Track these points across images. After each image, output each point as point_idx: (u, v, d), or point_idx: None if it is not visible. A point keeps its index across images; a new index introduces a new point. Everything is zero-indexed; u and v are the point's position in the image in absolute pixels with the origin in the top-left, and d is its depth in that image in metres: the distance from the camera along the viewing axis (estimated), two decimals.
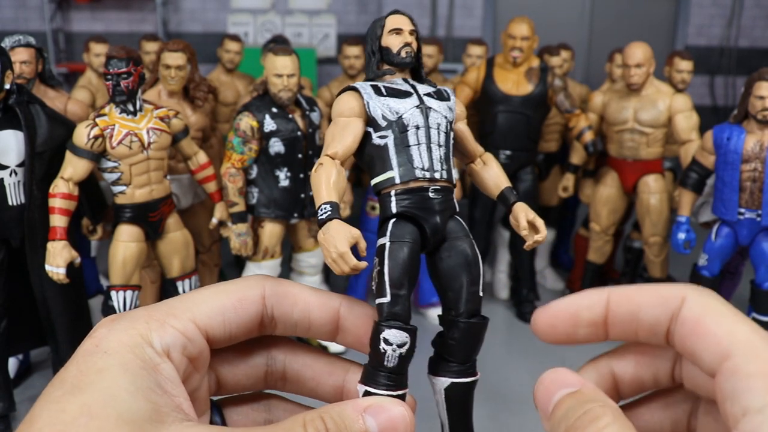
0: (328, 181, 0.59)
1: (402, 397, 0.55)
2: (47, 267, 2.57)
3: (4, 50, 2.54)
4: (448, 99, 0.67)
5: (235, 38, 4.35)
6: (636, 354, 0.53)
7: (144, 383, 0.44)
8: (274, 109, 3.06)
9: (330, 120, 3.14)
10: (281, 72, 3.00)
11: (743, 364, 0.41)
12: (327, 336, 0.59)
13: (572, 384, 0.48)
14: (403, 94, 0.64)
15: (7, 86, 2.51)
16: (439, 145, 0.63)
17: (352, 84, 0.64)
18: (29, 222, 2.61)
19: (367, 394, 0.55)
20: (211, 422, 0.56)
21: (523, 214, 0.71)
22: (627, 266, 4.16)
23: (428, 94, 0.65)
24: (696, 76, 6.49)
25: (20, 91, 2.59)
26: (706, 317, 0.45)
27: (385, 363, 0.55)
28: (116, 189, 2.76)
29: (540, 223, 0.70)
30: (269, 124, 3.04)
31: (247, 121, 3.03)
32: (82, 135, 2.61)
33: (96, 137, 2.62)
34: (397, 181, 0.60)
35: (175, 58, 3.25)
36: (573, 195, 3.98)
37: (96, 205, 2.92)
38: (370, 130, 0.62)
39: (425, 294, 3.86)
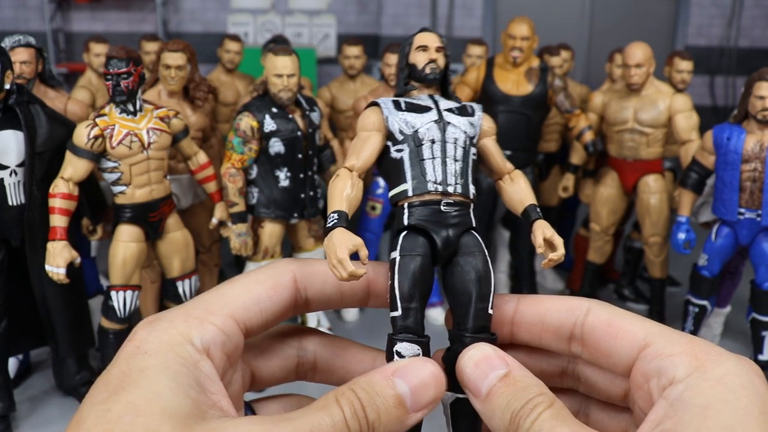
0: (341, 192, 0.61)
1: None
2: (47, 267, 2.57)
3: (4, 50, 2.54)
4: (471, 115, 0.68)
5: (235, 38, 4.35)
6: (528, 348, 0.57)
7: (185, 381, 0.45)
8: (274, 109, 3.06)
9: (330, 120, 3.15)
10: (281, 72, 3.00)
11: (664, 347, 0.47)
12: (359, 303, 0.62)
13: (500, 365, 0.51)
14: (422, 109, 0.65)
15: (7, 86, 2.51)
16: (455, 160, 0.64)
17: (375, 99, 0.66)
18: (29, 222, 2.61)
19: None
20: None
21: (540, 231, 0.71)
22: (627, 266, 4.16)
23: (449, 110, 0.67)
24: (696, 76, 6.49)
25: (20, 91, 2.59)
26: (616, 320, 0.51)
27: None
28: (116, 189, 2.76)
29: (558, 241, 0.70)
30: (269, 124, 3.04)
31: (247, 121, 3.02)
32: (82, 135, 2.61)
33: (96, 137, 2.62)
34: (410, 193, 0.61)
35: (175, 58, 3.25)
36: (573, 195, 3.98)
37: (96, 205, 2.92)
38: (389, 144, 0.64)
39: None
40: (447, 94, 0.71)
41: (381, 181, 3.71)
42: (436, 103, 0.67)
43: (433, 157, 0.62)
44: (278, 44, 4.01)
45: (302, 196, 3.18)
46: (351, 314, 3.79)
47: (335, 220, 0.60)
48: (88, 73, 4.18)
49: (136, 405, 0.42)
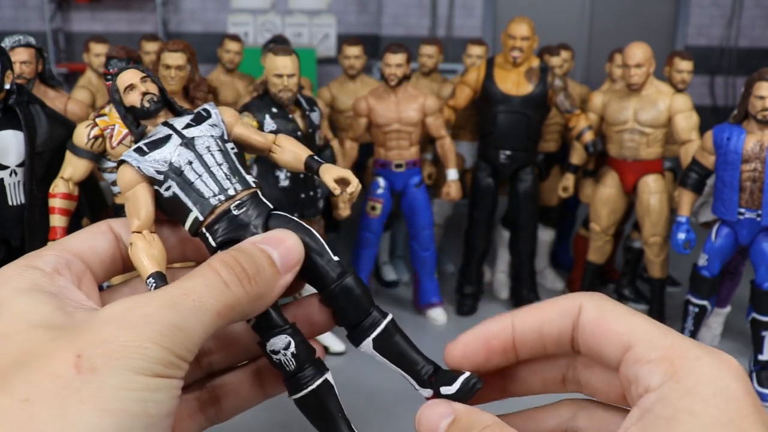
0: (147, 256, 0.60)
1: (322, 384, 0.57)
2: None
3: (4, 50, 2.54)
4: (208, 116, 0.68)
5: (235, 38, 4.35)
6: (526, 363, 0.57)
7: (42, 296, 0.46)
8: (274, 109, 3.06)
9: (330, 120, 3.14)
10: (281, 72, 3.00)
11: (644, 352, 0.46)
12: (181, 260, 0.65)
13: (445, 414, 0.53)
14: (163, 141, 0.64)
15: (7, 86, 2.51)
16: (219, 164, 0.63)
17: (121, 157, 0.66)
18: (29, 222, 2.62)
19: (295, 402, 0.57)
20: None
21: (328, 175, 0.72)
22: (627, 266, 4.16)
23: (187, 125, 0.66)
24: (696, 76, 6.49)
25: (20, 91, 2.59)
26: (604, 318, 0.50)
27: (287, 369, 0.57)
28: (116, 189, 2.76)
29: (347, 173, 0.71)
30: (269, 124, 3.04)
31: (247, 121, 3.03)
32: (82, 135, 2.61)
33: (96, 137, 2.62)
34: (201, 218, 0.60)
35: (175, 58, 3.25)
36: (573, 195, 3.98)
37: (96, 205, 2.92)
38: (156, 188, 0.63)
39: (425, 294, 3.86)
40: (177, 112, 0.70)
41: (381, 181, 3.71)
42: (172, 127, 0.66)
43: (200, 175, 0.62)
44: (278, 44, 4.01)
45: (302, 195, 3.18)
46: None
47: (153, 283, 0.59)
48: (88, 73, 4.18)
49: (4, 332, 0.43)
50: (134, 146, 0.66)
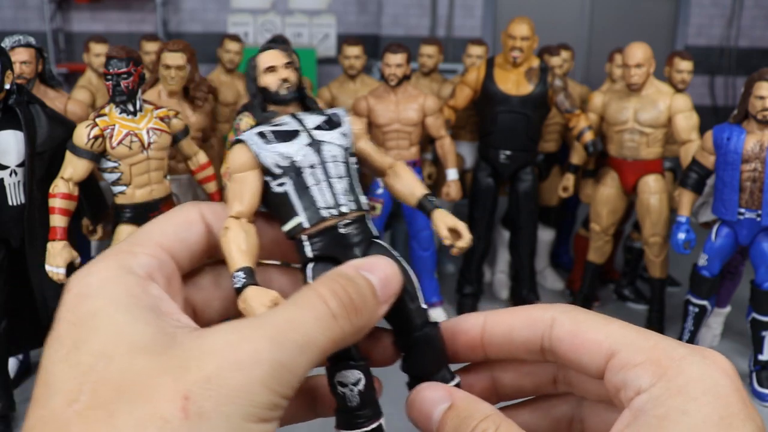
0: (238, 247, 0.56)
1: (381, 427, 0.55)
2: (47, 267, 2.57)
3: (4, 50, 2.54)
4: (340, 124, 0.64)
5: (235, 38, 4.35)
6: (516, 364, 0.56)
7: (140, 310, 0.44)
8: None
9: None
10: None
11: (629, 357, 0.46)
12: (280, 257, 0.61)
13: (443, 399, 0.51)
14: (290, 135, 0.61)
15: (7, 86, 2.51)
16: (340, 177, 0.60)
17: (239, 136, 0.62)
18: (29, 222, 2.61)
19: None
20: None
21: (441, 221, 0.69)
22: (627, 266, 4.16)
23: (318, 127, 0.63)
24: (696, 76, 6.49)
25: (20, 91, 2.59)
26: (580, 329, 0.50)
27: (349, 404, 0.54)
28: (116, 189, 2.76)
29: (462, 227, 0.68)
30: None
31: (247, 121, 3.03)
32: (82, 135, 2.61)
33: (96, 137, 2.62)
34: (306, 225, 0.57)
35: (175, 58, 3.25)
36: (573, 195, 3.98)
37: (96, 205, 2.92)
38: (268, 179, 0.60)
39: (425, 293, 3.86)
40: (308, 108, 0.68)
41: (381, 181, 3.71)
42: (301, 122, 0.63)
43: (318, 183, 0.59)
44: (278, 44, 4.01)
45: None
46: None
47: (243, 279, 0.55)
48: (88, 73, 4.17)
49: (104, 351, 0.41)
50: (256, 129, 0.62)
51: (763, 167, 2.95)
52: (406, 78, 3.63)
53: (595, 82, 5.44)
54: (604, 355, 0.48)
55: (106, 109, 2.71)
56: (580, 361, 0.49)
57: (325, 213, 0.58)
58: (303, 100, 0.68)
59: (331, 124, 0.64)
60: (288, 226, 0.58)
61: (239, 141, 0.61)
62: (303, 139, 0.61)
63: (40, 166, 2.62)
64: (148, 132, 2.74)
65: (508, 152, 3.75)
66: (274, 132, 0.61)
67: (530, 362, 0.56)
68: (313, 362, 0.44)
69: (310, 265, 0.58)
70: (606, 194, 3.73)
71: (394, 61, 3.56)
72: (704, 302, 3.29)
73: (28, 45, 3.03)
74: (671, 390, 0.43)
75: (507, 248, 4.13)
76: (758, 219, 3.02)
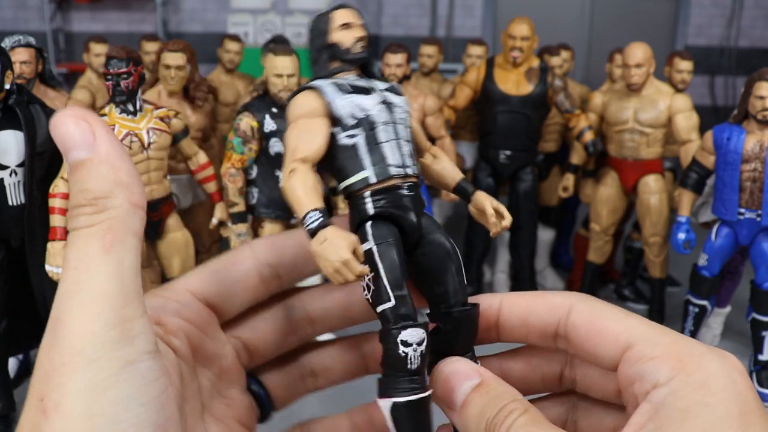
0: (311, 188, 0.55)
1: (427, 399, 0.53)
2: (47, 267, 2.57)
3: (4, 50, 2.54)
4: (401, 94, 0.65)
5: (235, 38, 4.35)
6: (525, 356, 0.57)
7: (159, 397, 0.43)
8: (274, 109, 3.06)
9: None
10: (281, 72, 3.00)
11: (646, 350, 0.47)
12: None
13: (472, 374, 0.51)
14: (366, 91, 0.61)
15: (7, 86, 2.51)
16: (407, 140, 0.60)
17: (309, 84, 0.59)
18: (29, 222, 2.62)
19: (394, 406, 0.52)
20: (249, 390, 0.56)
21: (488, 201, 0.68)
22: (627, 266, 4.16)
23: (387, 89, 0.63)
24: (696, 76, 6.49)
25: (20, 91, 2.59)
26: (599, 318, 0.50)
27: (409, 366, 0.52)
28: None
29: (503, 209, 0.68)
30: (269, 124, 3.04)
31: (247, 122, 3.03)
32: None
33: None
34: (373, 180, 0.57)
35: (175, 58, 3.25)
36: (573, 195, 3.98)
37: None
38: (337, 130, 0.58)
39: None
40: (371, 74, 0.66)
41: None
42: (371, 82, 0.62)
43: (389, 140, 0.58)
44: (278, 44, 4.01)
45: None
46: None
47: (320, 218, 0.53)
48: (88, 73, 4.17)
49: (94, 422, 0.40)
50: (329, 80, 0.61)
51: (763, 167, 2.95)
52: (406, 78, 3.63)
53: (595, 82, 5.44)
54: (621, 346, 0.48)
55: (106, 109, 2.71)
56: (595, 351, 0.49)
57: (393, 171, 0.57)
58: (367, 66, 0.66)
59: (396, 91, 0.64)
60: (352, 180, 0.57)
61: (308, 88, 0.59)
62: (376, 97, 0.60)
63: (40, 166, 2.62)
64: (148, 132, 2.74)
65: (508, 152, 3.75)
66: (351, 85, 0.60)
67: (540, 353, 0.55)
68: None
69: (369, 223, 0.56)
70: (606, 194, 3.73)
71: (394, 61, 3.56)
72: (704, 302, 3.29)
73: (28, 45, 3.04)
74: (692, 384, 0.44)
75: (507, 248, 4.13)
76: (758, 219, 3.02)
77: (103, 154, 0.41)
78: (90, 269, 0.40)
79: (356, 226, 0.57)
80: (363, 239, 0.56)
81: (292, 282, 0.58)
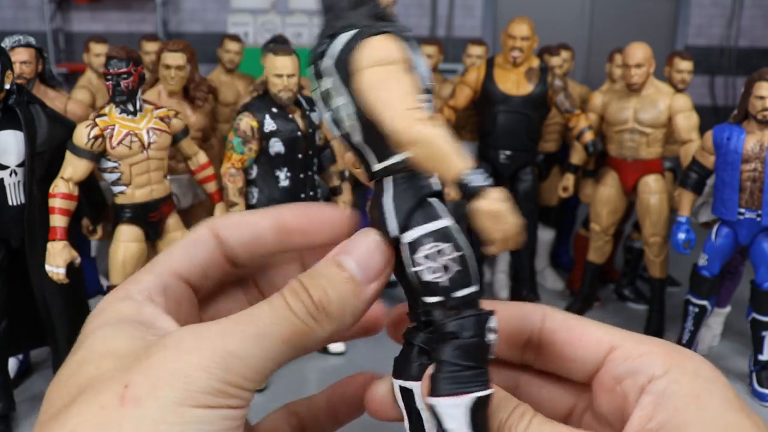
0: (454, 146, 0.46)
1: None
2: (47, 267, 2.57)
3: (4, 50, 2.54)
4: None
5: (235, 38, 4.35)
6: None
7: (123, 327, 0.45)
8: (274, 109, 3.06)
9: None
10: (281, 72, 3.00)
11: (632, 349, 0.48)
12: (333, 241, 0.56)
13: None
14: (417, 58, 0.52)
15: (7, 86, 2.51)
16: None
17: (382, 27, 0.49)
18: (29, 222, 2.62)
19: (478, 401, 0.46)
20: None
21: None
22: (627, 266, 4.16)
23: None
24: (696, 76, 6.48)
25: (20, 91, 2.59)
26: (576, 325, 0.51)
27: (490, 355, 0.47)
28: (116, 189, 2.76)
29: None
30: (269, 124, 3.04)
31: (247, 122, 3.03)
32: (82, 135, 2.61)
33: (96, 137, 2.62)
34: None
35: (175, 58, 3.25)
36: (573, 195, 3.98)
37: (96, 205, 2.93)
38: None
39: None
40: None
41: None
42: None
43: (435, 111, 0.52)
44: (278, 44, 4.01)
45: (302, 196, 3.18)
46: None
47: (486, 178, 0.46)
48: (88, 73, 4.18)
49: (82, 359, 0.44)
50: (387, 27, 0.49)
51: (763, 167, 2.95)
52: None
53: (595, 82, 5.44)
54: (605, 348, 0.49)
55: (106, 109, 2.71)
56: (575, 354, 0.50)
57: None
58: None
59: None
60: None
61: (383, 32, 0.48)
62: (423, 59, 0.52)
63: (40, 166, 2.62)
64: (148, 132, 2.74)
65: (508, 152, 3.75)
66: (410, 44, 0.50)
67: (498, 367, 0.54)
68: (272, 353, 0.43)
69: (435, 199, 0.50)
70: (606, 194, 3.73)
71: None
72: (704, 302, 3.29)
73: (28, 45, 3.04)
74: (688, 374, 0.45)
75: None
76: (758, 219, 3.02)
77: (369, 292, 0.48)
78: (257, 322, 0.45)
79: (416, 203, 0.50)
80: (432, 217, 0.49)
81: (257, 258, 0.55)
